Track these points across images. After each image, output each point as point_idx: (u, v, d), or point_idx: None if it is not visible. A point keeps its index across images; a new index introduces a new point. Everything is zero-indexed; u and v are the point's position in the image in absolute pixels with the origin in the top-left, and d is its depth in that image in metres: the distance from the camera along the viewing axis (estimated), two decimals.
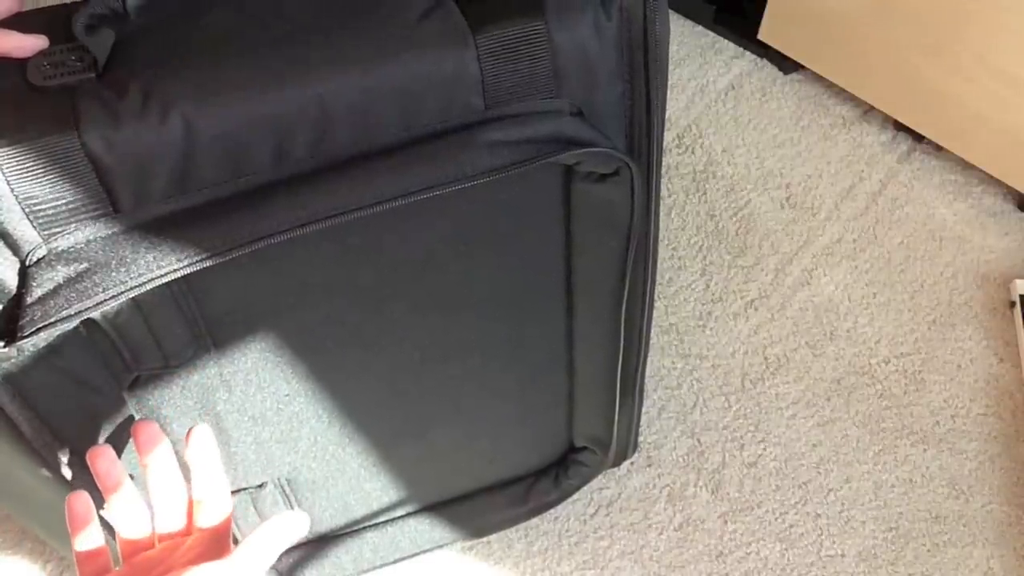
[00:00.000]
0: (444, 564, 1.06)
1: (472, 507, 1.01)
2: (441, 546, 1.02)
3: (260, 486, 0.85)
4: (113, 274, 0.53)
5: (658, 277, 1.25)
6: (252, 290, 0.65)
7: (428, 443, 0.90)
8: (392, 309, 0.72)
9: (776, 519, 1.09)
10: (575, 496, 1.09)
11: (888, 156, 1.37)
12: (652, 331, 1.21)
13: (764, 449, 1.13)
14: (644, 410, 1.15)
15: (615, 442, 0.97)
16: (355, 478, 0.90)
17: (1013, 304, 1.22)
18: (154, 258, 0.54)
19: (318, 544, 0.98)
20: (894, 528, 1.08)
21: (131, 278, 0.53)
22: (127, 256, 0.53)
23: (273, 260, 0.63)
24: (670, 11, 1.51)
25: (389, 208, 0.56)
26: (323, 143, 0.56)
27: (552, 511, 1.08)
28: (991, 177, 1.32)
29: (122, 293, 0.53)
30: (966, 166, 1.34)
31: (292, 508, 0.90)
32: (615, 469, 1.11)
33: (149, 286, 0.53)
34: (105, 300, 0.52)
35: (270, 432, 0.79)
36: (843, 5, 1.29)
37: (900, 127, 1.38)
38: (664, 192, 1.32)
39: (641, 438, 1.13)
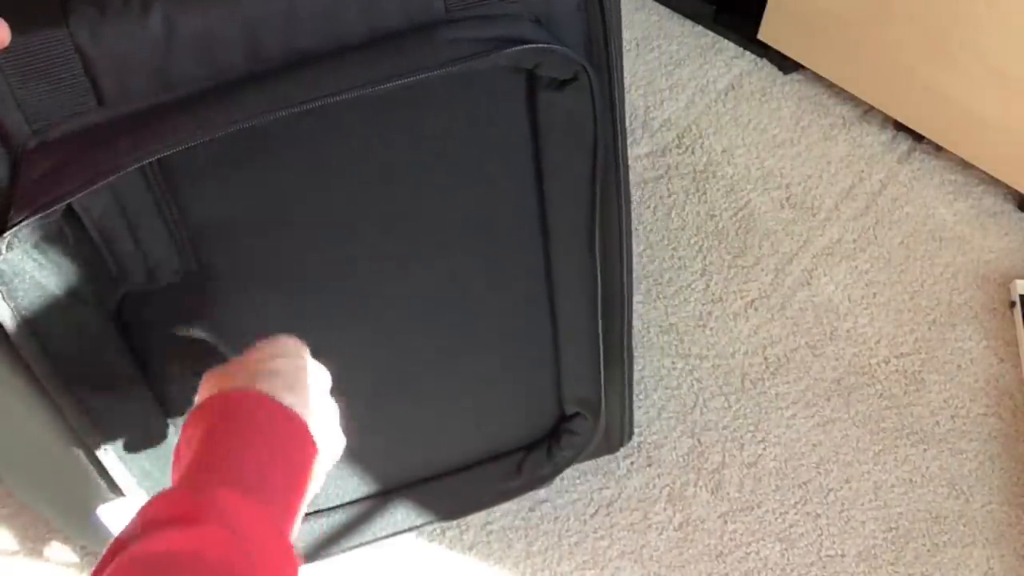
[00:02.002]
0: (444, 562, 1.06)
1: (466, 480, 1.01)
2: (437, 520, 1.02)
3: None
4: (96, 160, 0.56)
5: (658, 277, 1.25)
6: (231, 203, 0.68)
7: (414, 397, 0.90)
8: (367, 230, 0.74)
9: (776, 519, 1.09)
10: (575, 496, 1.09)
11: (888, 156, 1.37)
12: (653, 331, 1.21)
13: (764, 449, 1.13)
14: (644, 411, 1.15)
15: (604, 411, 0.96)
16: (345, 435, 0.90)
17: (1013, 304, 1.22)
18: (134, 144, 0.57)
19: (314, 518, 0.98)
20: (894, 528, 1.08)
21: (111, 162, 0.56)
22: (109, 144, 0.57)
23: (250, 171, 0.67)
24: (670, 11, 1.51)
25: (356, 98, 0.59)
26: (292, 42, 0.60)
27: (552, 511, 1.08)
28: (991, 177, 1.32)
29: (102, 175, 0.56)
30: (966, 166, 1.34)
31: None
32: (615, 469, 1.11)
33: (128, 168, 0.56)
34: (86, 184, 0.55)
35: None
36: (842, 6, 1.29)
37: (900, 127, 1.38)
38: (664, 192, 1.33)
39: (641, 438, 1.13)
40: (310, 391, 0.56)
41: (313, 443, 0.52)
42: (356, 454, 0.92)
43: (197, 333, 0.74)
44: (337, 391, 0.85)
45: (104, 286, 0.66)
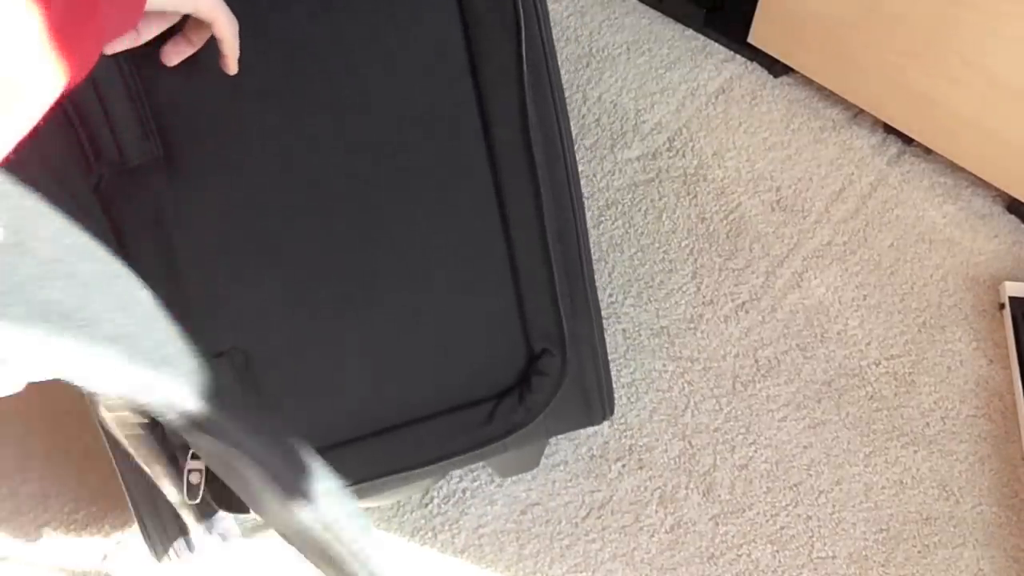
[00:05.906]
0: (436, 565, 1.06)
1: (439, 427, 1.00)
2: (414, 467, 1.01)
3: (218, 355, 0.86)
4: None
5: (649, 280, 1.25)
6: (191, 86, 0.76)
7: (376, 318, 0.91)
8: (318, 125, 0.80)
9: (767, 521, 1.09)
10: (566, 499, 1.09)
11: (878, 159, 1.37)
12: (644, 334, 1.21)
13: (755, 451, 1.13)
14: (636, 413, 1.15)
15: (571, 346, 0.96)
16: (311, 361, 0.91)
17: (1002, 306, 1.23)
18: None
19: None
20: (885, 530, 1.08)
21: None
22: None
23: (208, 62, 0.73)
24: (660, 14, 1.51)
25: None
26: None
27: (544, 514, 1.08)
28: (980, 179, 1.33)
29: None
30: (955, 168, 1.34)
31: (251, 385, 0.90)
32: (606, 472, 1.11)
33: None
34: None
35: (222, 278, 0.84)
36: (832, 9, 1.29)
37: (890, 130, 1.38)
38: (655, 195, 1.33)
39: (632, 441, 1.13)
40: None
41: None
42: (321, 378, 0.93)
43: (166, 241, 0.81)
44: (302, 298, 0.88)
45: (81, 170, 0.75)
